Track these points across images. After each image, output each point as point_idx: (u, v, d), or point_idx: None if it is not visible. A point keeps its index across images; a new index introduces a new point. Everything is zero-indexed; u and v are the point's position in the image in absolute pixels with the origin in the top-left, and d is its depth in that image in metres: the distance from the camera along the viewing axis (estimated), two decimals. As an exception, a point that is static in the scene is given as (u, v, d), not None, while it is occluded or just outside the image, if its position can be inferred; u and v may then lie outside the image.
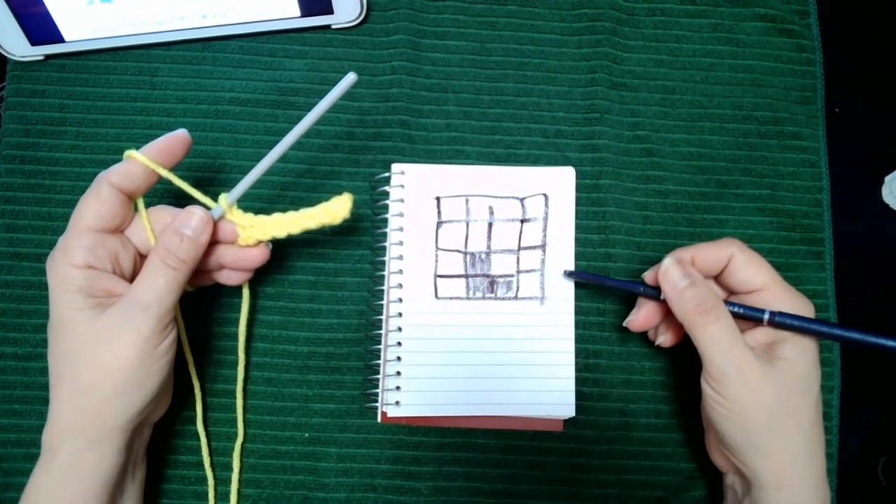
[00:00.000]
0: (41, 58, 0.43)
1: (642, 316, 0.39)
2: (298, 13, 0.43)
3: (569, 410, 0.41)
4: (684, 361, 0.43)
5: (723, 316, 0.34)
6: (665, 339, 0.40)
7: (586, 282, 0.42)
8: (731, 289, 0.37)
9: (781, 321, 0.34)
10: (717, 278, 0.38)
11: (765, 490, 0.34)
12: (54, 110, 0.43)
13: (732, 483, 0.37)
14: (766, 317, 0.35)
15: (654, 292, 0.37)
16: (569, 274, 0.42)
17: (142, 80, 0.44)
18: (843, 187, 0.48)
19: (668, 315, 0.38)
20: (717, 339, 0.34)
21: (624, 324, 0.40)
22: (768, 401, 0.33)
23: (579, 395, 0.42)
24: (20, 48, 0.42)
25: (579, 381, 0.42)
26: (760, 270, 0.36)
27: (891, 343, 0.33)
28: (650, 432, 0.42)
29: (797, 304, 0.35)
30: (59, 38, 0.42)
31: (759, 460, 0.34)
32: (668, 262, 0.36)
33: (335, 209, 0.35)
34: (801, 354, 0.34)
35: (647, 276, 0.38)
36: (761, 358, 0.34)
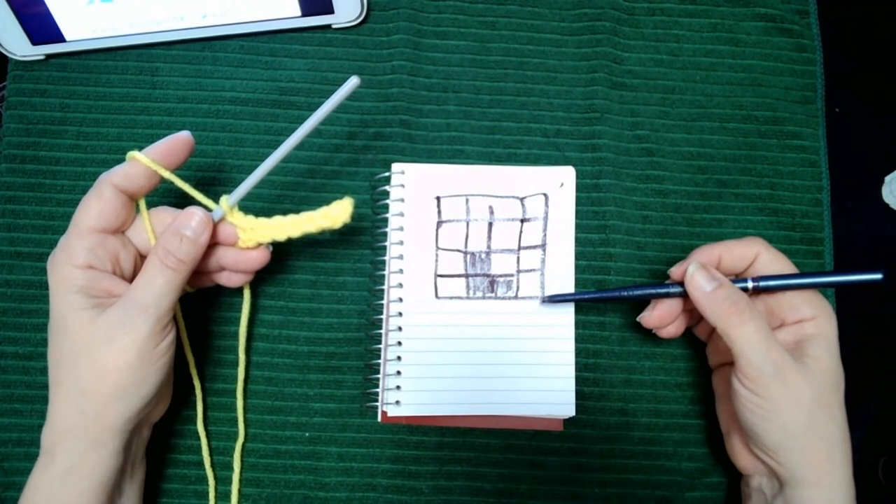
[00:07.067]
0: (42, 57, 0.44)
1: (657, 314, 0.38)
2: (299, 13, 0.43)
3: (569, 410, 0.41)
4: (684, 361, 0.43)
5: (756, 315, 0.34)
6: (667, 330, 0.39)
7: (567, 301, 0.42)
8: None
9: (766, 285, 0.35)
10: (738, 277, 0.38)
11: (800, 488, 0.34)
12: (55, 110, 0.43)
13: (759, 485, 0.37)
14: (750, 285, 0.35)
15: (636, 295, 0.38)
16: (548, 299, 0.42)
17: (142, 79, 0.44)
18: (843, 187, 0.48)
19: (683, 312, 0.38)
20: (753, 339, 0.33)
21: (637, 319, 0.39)
22: (806, 399, 0.33)
23: (579, 395, 0.42)
24: (21, 48, 0.42)
25: (579, 381, 0.42)
26: (785, 269, 0.36)
27: (872, 276, 0.34)
28: (651, 432, 0.42)
29: (820, 304, 0.35)
30: (59, 38, 0.42)
31: (797, 458, 0.34)
32: (692, 268, 0.36)
33: (336, 213, 0.35)
34: (828, 351, 0.34)
35: (673, 272, 0.38)
36: (794, 357, 0.34)
